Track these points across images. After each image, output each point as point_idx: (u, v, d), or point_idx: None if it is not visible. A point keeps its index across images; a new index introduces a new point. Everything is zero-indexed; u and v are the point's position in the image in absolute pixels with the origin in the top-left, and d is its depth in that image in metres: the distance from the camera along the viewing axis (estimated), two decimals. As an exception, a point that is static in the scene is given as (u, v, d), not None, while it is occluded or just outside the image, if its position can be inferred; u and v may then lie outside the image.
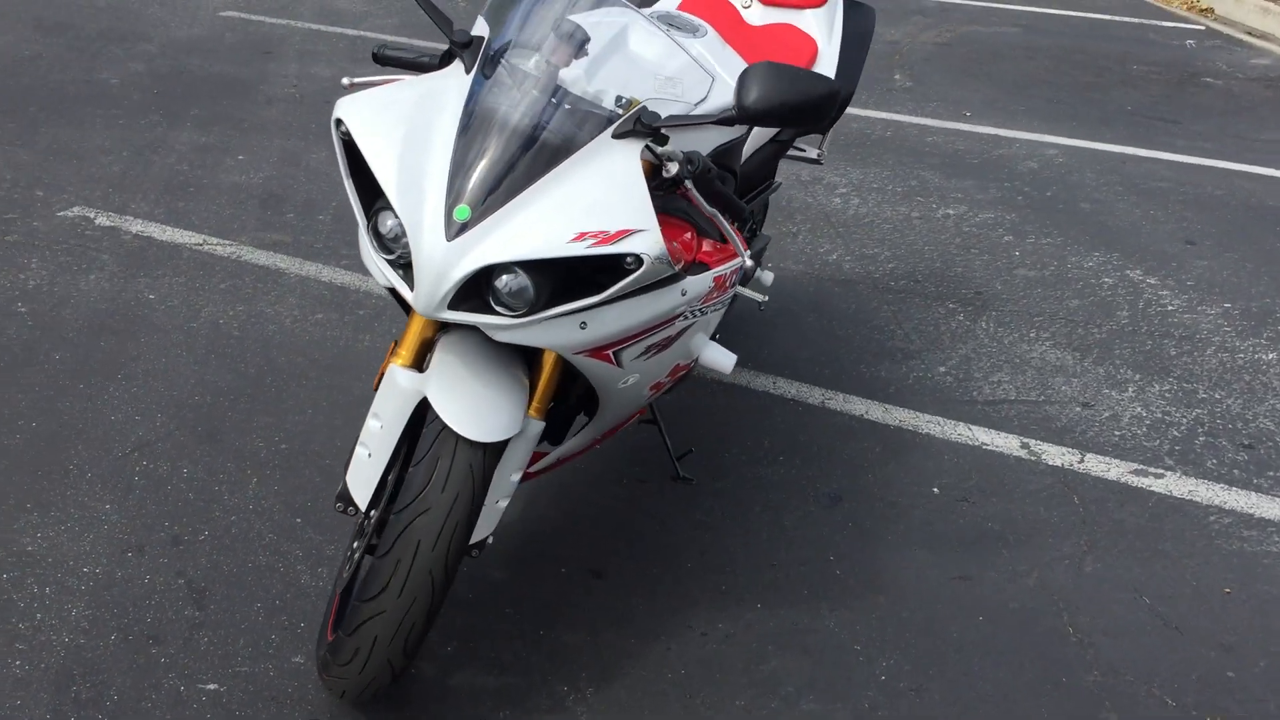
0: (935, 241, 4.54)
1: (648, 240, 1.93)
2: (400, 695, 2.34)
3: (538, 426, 2.23)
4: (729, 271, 2.34)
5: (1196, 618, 2.66)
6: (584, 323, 2.03)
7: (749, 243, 3.28)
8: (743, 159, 2.92)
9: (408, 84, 2.13)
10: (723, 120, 2.07)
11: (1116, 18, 8.57)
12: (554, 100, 2.06)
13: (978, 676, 2.47)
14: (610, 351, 2.13)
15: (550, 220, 1.93)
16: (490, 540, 2.31)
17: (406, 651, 2.07)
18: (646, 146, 2.12)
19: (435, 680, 2.39)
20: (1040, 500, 3.04)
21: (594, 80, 2.14)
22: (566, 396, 2.42)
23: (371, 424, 2.19)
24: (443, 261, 1.92)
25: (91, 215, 4.44)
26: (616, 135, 2.04)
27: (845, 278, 4.19)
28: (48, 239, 4.23)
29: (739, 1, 3.27)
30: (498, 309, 1.97)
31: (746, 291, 3.02)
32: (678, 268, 2.05)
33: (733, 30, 3.13)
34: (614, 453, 3.13)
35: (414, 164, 1.98)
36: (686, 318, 2.27)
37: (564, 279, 2.00)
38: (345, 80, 2.20)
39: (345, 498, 2.23)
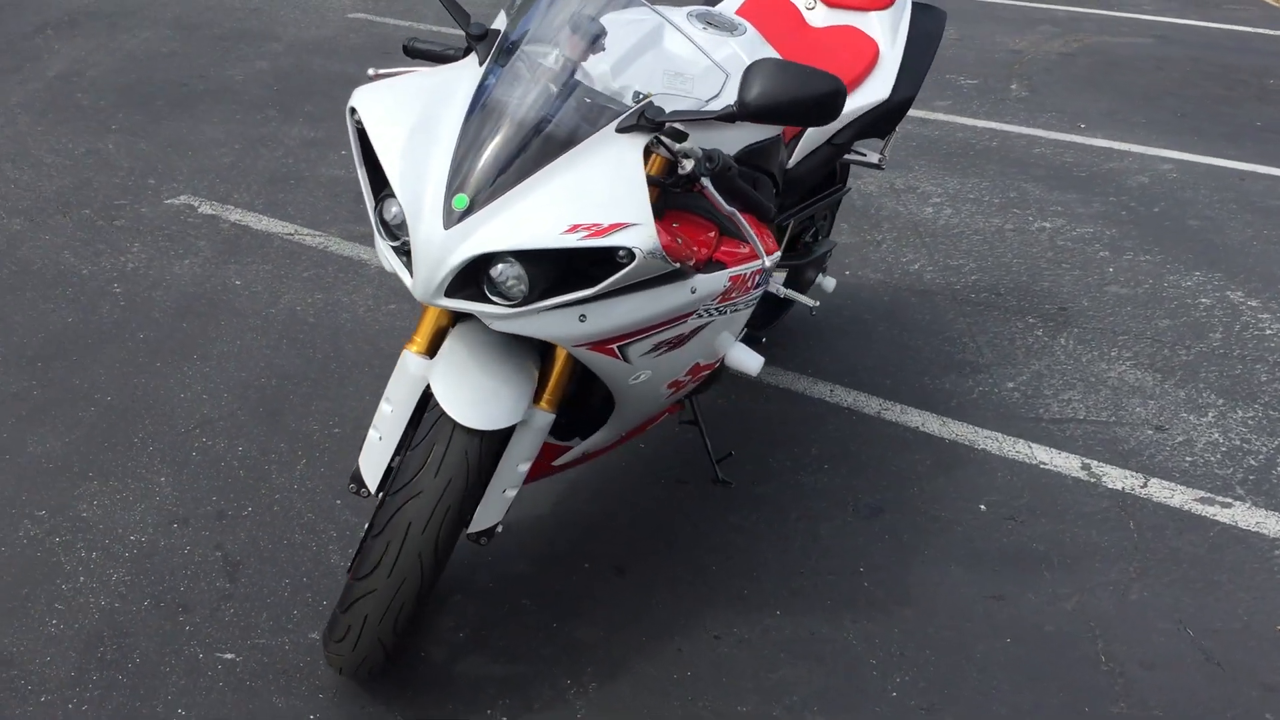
0: (1025, 255, 4.41)
1: (640, 235, 1.93)
2: (404, 677, 2.38)
3: (545, 418, 2.24)
4: (749, 272, 2.31)
5: (1242, 654, 2.53)
6: (583, 315, 2.03)
7: (810, 248, 3.26)
8: (791, 162, 2.88)
9: (424, 75, 2.17)
10: (724, 116, 2.06)
11: (1259, 30, 8.19)
12: (562, 93, 2.07)
13: (995, 699, 2.40)
14: (615, 346, 2.13)
15: (545, 211, 1.94)
16: (499, 529, 2.33)
17: (396, 631, 2.11)
18: (661, 143, 2.11)
19: (442, 665, 2.42)
20: (1093, 523, 2.93)
21: (605, 75, 2.15)
22: (591, 393, 2.43)
23: (384, 408, 2.24)
24: (439, 249, 1.95)
25: (195, 204, 4.63)
26: (620, 129, 2.03)
27: (924, 288, 4.10)
28: (151, 225, 4.42)
29: (802, 3, 3.24)
30: (493, 298, 1.99)
31: (796, 296, 3.01)
32: (678, 265, 2.03)
33: (793, 32, 3.10)
34: (656, 452, 3.12)
35: (419, 153, 2.01)
36: (700, 316, 2.25)
37: (562, 271, 2.01)
38: (371, 71, 2.25)
39: (358, 479, 2.28)
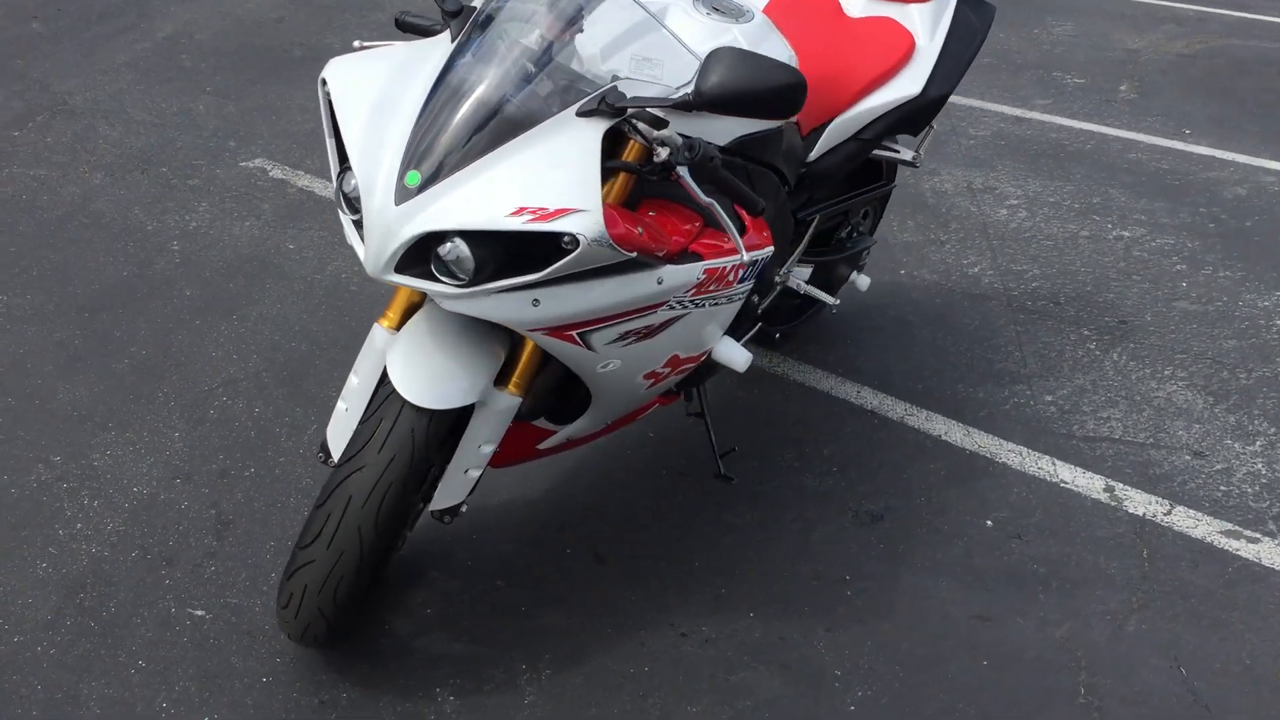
0: (1095, 264, 4.23)
1: (586, 221, 1.89)
2: (363, 647, 2.40)
3: (509, 401, 2.23)
4: (728, 266, 2.26)
5: (1234, 699, 2.39)
6: (536, 300, 2.01)
7: (842, 245, 3.17)
8: (813, 155, 2.81)
9: (399, 48, 2.16)
10: (679, 105, 2.01)
11: None
12: (529, 73, 2.05)
13: (958, 723, 2.31)
14: (575, 333, 2.10)
15: (494, 192, 1.93)
16: (464, 509, 2.33)
17: (336, 602, 2.12)
18: (637, 129, 2.07)
19: (404, 639, 2.44)
20: (1103, 548, 2.80)
21: (591, 57, 2.12)
22: (576, 379, 2.40)
23: (351, 379, 2.26)
24: (389, 224, 1.95)
25: (268, 168, 4.73)
26: (581, 114, 2.00)
27: (980, 292, 3.97)
28: (222, 185, 4.54)
29: None
30: (442, 278, 1.98)
31: (817, 293, 2.94)
32: (633, 255, 1.99)
33: (828, 22, 3.02)
34: (661, 442, 3.09)
35: (380, 127, 2.01)
36: (672, 308, 2.21)
37: (512, 253, 1.98)
38: (356, 44, 2.26)
39: (325, 449, 2.31)
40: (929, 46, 2.99)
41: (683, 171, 2.10)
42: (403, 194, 1.95)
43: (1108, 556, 2.78)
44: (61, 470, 2.88)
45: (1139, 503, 2.97)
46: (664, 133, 2.07)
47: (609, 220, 1.96)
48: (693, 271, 2.19)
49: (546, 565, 2.67)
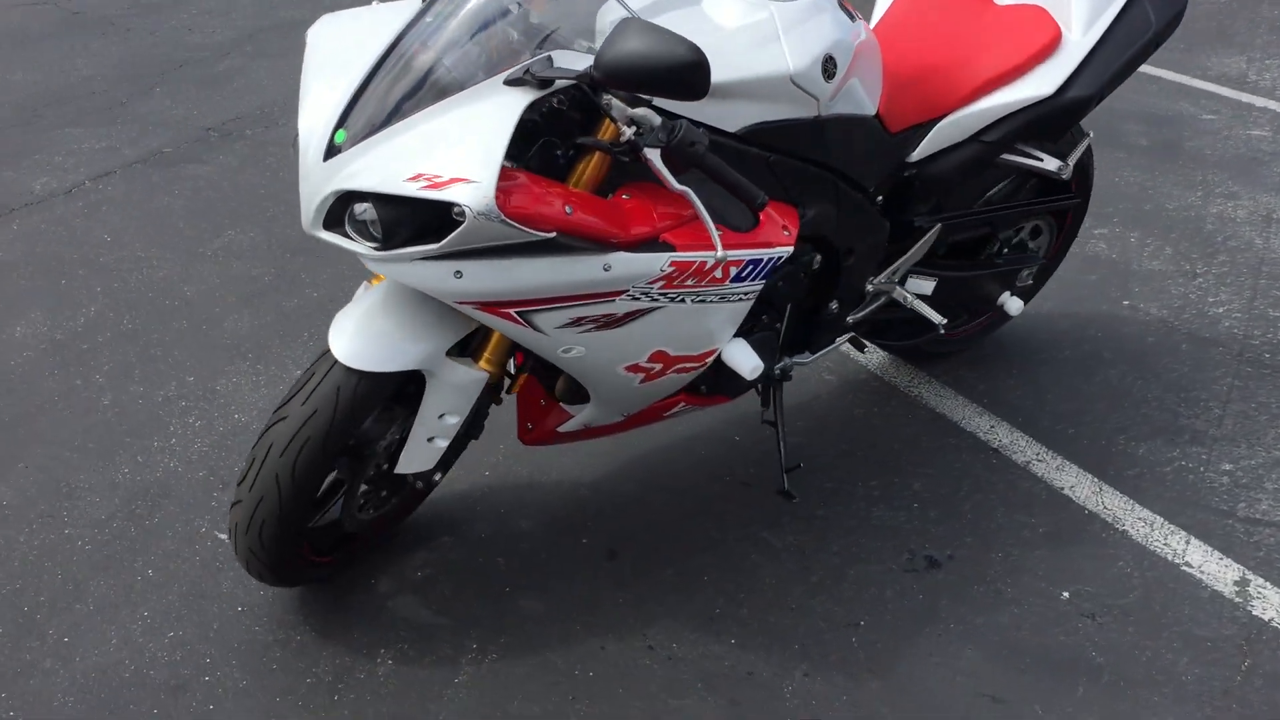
0: (1381, 322, 3.54)
1: (473, 192, 1.82)
2: (340, 598, 2.48)
3: (472, 375, 2.19)
4: (707, 262, 2.09)
5: None
6: (459, 272, 1.95)
7: (989, 261, 2.85)
8: (916, 155, 2.54)
9: (382, 9, 2.16)
10: (580, 78, 1.87)
11: None
12: (469, 39, 1.99)
13: (896, 807, 2.03)
14: (514, 311, 2.02)
15: (399, 155, 1.89)
16: (438, 478, 2.33)
17: (263, 544, 2.18)
18: (609, 106, 1.96)
19: (380, 597, 2.49)
20: (1194, 648, 2.36)
21: (523, 25, 2.03)
22: None
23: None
24: (314, 181, 1.97)
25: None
26: (508, 82, 1.92)
27: (1210, 336, 3.42)
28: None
29: None
30: (360, 239, 1.96)
31: (923, 308, 2.68)
32: (545, 234, 1.89)
33: (969, 9, 2.70)
34: (737, 446, 2.92)
35: (331, 86, 2.03)
36: (635, 299, 2.08)
37: (427, 219, 1.93)
38: (374, 3, 2.28)
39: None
40: (1078, 42, 2.60)
41: (651, 154, 1.97)
42: (330, 152, 1.96)
43: (1194, 659, 2.33)
44: (187, 389, 3.13)
45: (1272, 604, 2.46)
46: (637, 111, 1.93)
47: (517, 195, 1.87)
48: (653, 262, 2.05)
49: (555, 552, 2.61)
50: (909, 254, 2.70)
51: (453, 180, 1.84)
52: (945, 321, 2.79)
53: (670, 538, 2.64)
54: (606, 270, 2.02)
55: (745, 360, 2.32)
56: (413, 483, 2.38)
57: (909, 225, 2.70)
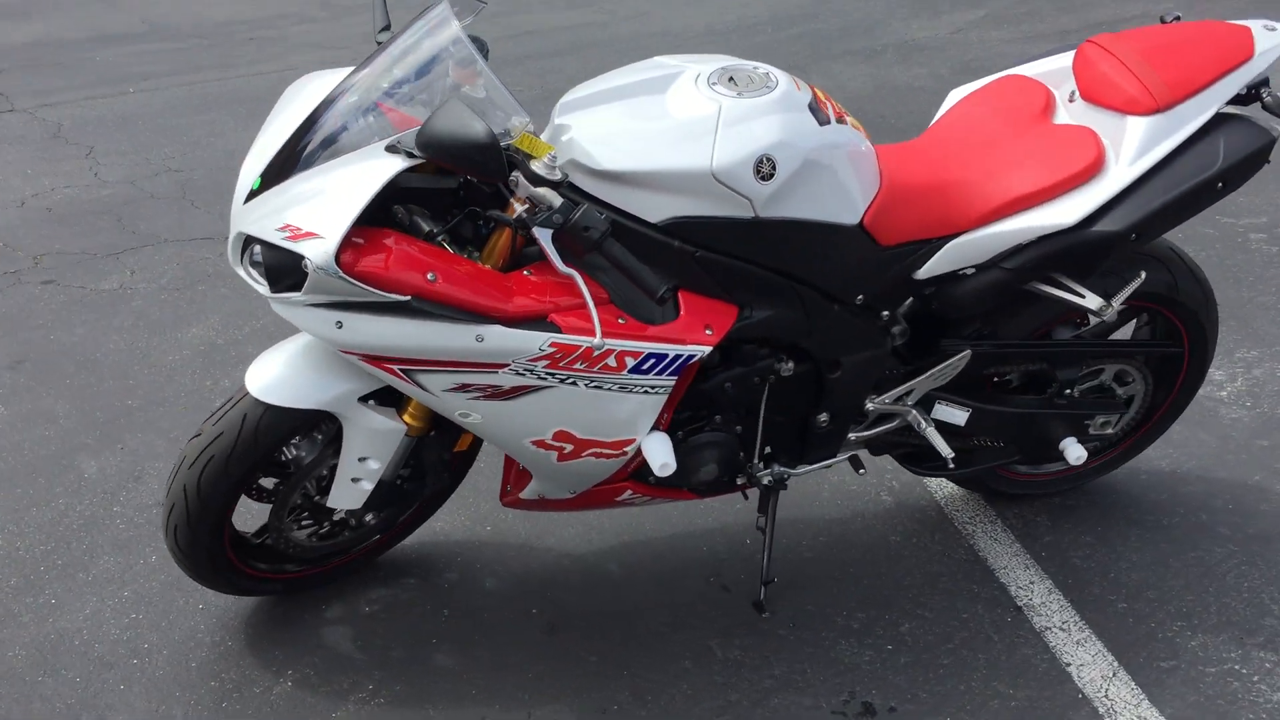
0: None
1: (317, 248, 1.92)
2: (280, 612, 2.65)
3: (388, 425, 2.29)
4: (588, 348, 2.08)
5: None
6: (339, 322, 2.05)
7: (1050, 401, 2.63)
8: (924, 274, 2.38)
9: (351, 70, 2.31)
10: (415, 152, 1.92)
11: None
12: (372, 103, 2.10)
13: None
14: (396, 367, 2.11)
15: (281, 206, 2.02)
16: (370, 518, 2.44)
17: (179, 546, 2.37)
18: (514, 182, 2.01)
19: (315, 618, 2.64)
20: None
21: (419, 94, 2.10)
22: None
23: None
24: (233, 222, 2.15)
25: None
26: (388, 148, 2.01)
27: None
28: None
29: (1063, 95, 2.54)
30: (258, 278, 2.11)
31: (934, 437, 2.55)
32: (389, 296, 1.96)
33: (1021, 122, 2.49)
34: (746, 551, 2.82)
35: (274, 136, 2.20)
36: (520, 374, 2.11)
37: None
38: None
39: None
40: (1120, 172, 2.33)
41: (541, 234, 2.00)
42: (248, 197, 2.13)
43: None
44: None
45: None
46: (538, 190, 1.98)
47: (372, 256, 1.95)
48: (532, 340, 2.06)
49: (501, 615, 2.63)
50: (922, 377, 2.51)
51: (308, 234, 1.94)
52: (952, 454, 2.56)
53: (619, 625, 2.60)
54: (480, 341, 2.04)
55: (656, 455, 2.25)
56: (348, 520, 2.49)
57: (936, 348, 2.52)
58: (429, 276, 1.99)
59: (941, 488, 3.06)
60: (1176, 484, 3.06)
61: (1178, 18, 2.58)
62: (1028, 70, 2.63)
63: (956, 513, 2.97)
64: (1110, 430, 2.78)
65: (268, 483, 2.45)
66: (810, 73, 6.50)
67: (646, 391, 2.19)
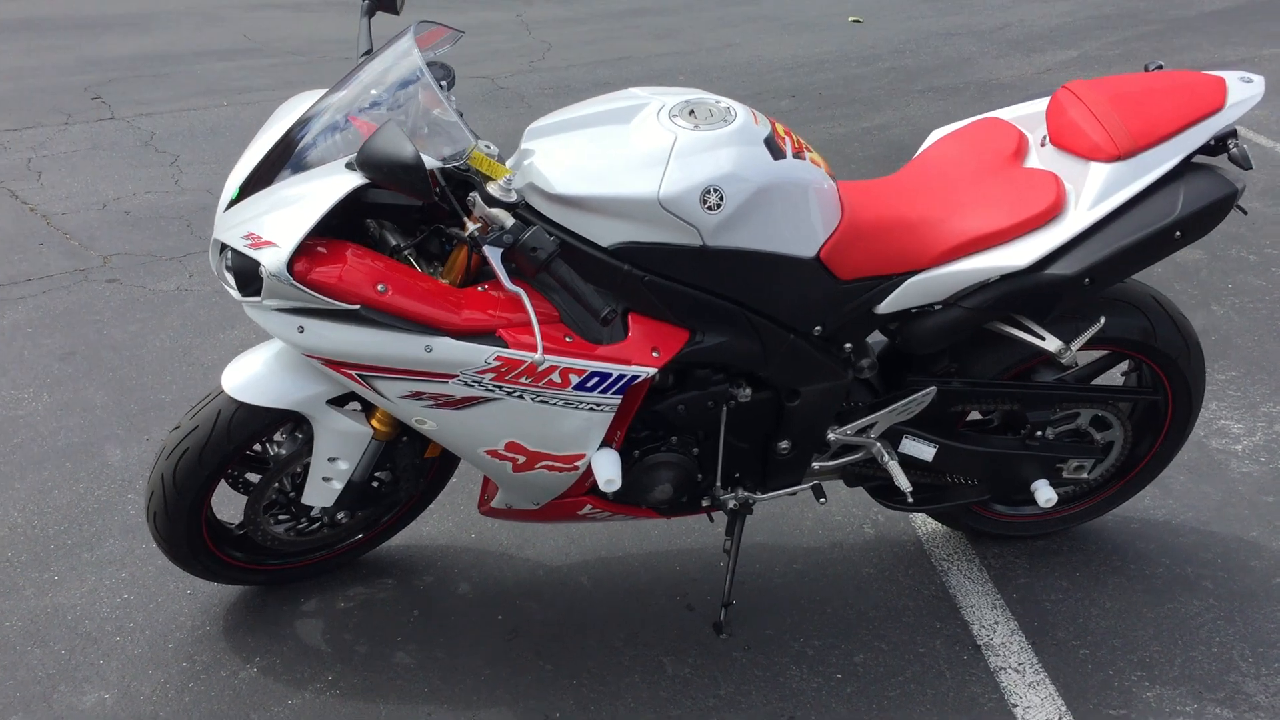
0: None
1: (272, 256, 2.06)
2: (260, 601, 2.77)
3: (354, 428, 2.42)
4: (532, 363, 2.18)
5: None
6: (301, 327, 2.19)
7: (1022, 442, 2.66)
8: (884, 308, 2.42)
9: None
10: (350, 165, 2.04)
11: None
12: (342, 121, 2.22)
13: None
14: (354, 372, 2.23)
15: (249, 216, 2.17)
16: (343, 517, 2.57)
17: (159, 531, 2.52)
18: (471, 201, 2.13)
19: (301, 613, 2.76)
20: None
21: (381, 113, 2.22)
22: None
23: None
24: (215, 228, 2.30)
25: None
26: (348, 165, 2.14)
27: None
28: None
29: (1036, 138, 2.57)
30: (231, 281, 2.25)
31: (894, 471, 2.59)
32: (343, 305, 2.08)
33: (989, 164, 2.52)
34: (720, 572, 2.87)
35: (259, 149, 2.35)
36: (469, 385, 2.21)
37: None
38: None
39: None
40: (1077, 216, 2.35)
41: (490, 252, 2.10)
42: (229, 205, 2.28)
43: None
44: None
45: None
46: (491, 210, 2.09)
47: (325, 266, 2.08)
48: (478, 353, 2.17)
49: (467, 620, 2.73)
50: (884, 411, 2.55)
51: (266, 243, 2.08)
52: (910, 489, 2.59)
53: (577, 636, 2.67)
54: (428, 351, 2.15)
55: (603, 471, 2.33)
56: (320, 518, 2.62)
57: (904, 382, 2.57)
58: (379, 288, 2.11)
59: (925, 524, 3.07)
60: (1168, 534, 3.03)
61: (1160, 66, 2.59)
62: (1008, 113, 2.66)
63: (935, 549, 2.98)
64: (1086, 475, 2.77)
65: (254, 476, 2.58)
66: (883, 107, 6.54)
67: (592, 409, 2.27)
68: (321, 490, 2.50)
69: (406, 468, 2.60)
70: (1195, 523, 3.07)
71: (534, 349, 2.16)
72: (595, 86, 7.17)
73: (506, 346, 2.16)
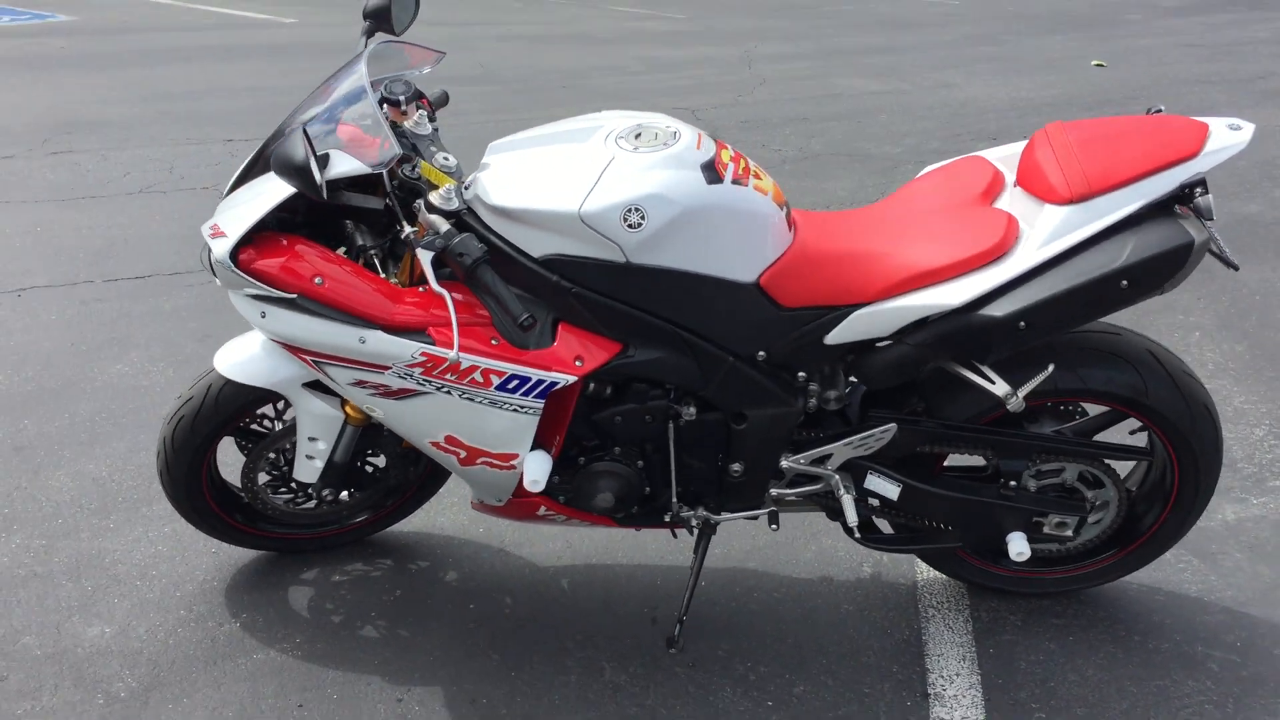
0: None
1: (219, 244, 2.31)
2: (265, 567, 3.01)
3: (327, 411, 2.64)
4: (455, 362, 2.33)
5: None
6: (264, 312, 2.43)
7: (996, 491, 2.63)
8: (833, 339, 2.43)
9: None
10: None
11: None
12: (313, 125, 2.44)
13: None
14: (308, 357, 2.45)
15: (222, 209, 2.43)
16: (329, 494, 2.80)
17: (166, 487, 2.80)
18: (417, 207, 2.33)
19: (299, 580, 2.98)
20: None
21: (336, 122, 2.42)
22: None
23: None
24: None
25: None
26: None
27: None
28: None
29: (1010, 180, 2.50)
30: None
31: (846, 505, 2.60)
32: (279, 292, 2.30)
33: (954, 201, 2.47)
34: (681, 585, 2.92)
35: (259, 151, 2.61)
36: (403, 378, 2.39)
37: None
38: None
39: None
40: (1021, 258, 2.29)
41: (421, 255, 2.29)
42: (220, 200, 2.55)
43: None
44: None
45: None
46: (429, 216, 2.29)
47: (267, 256, 2.31)
48: (406, 348, 2.34)
49: (440, 605, 2.88)
50: (840, 444, 2.55)
51: (220, 233, 2.33)
52: (855, 522, 2.57)
53: (533, 633, 2.77)
54: (362, 342, 2.34)
55: (530, 470, 2.44)
56: (311, 494, 2.85)
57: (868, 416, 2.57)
58: (316, 280, 2.31)
59: (927, 571, 3.00)
60: (1194, 610, 2.84)
61: (1160, 110, 2.47)
62: (994, 153, 2.61)
63: (927, 596, 2.91)
64: (1069, 533, 2.65)
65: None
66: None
67: (516, 410, 2.39)
68: (306, 467, 2.72)
69: (392, 454, 2.79)
70: (1233, 603, 2.87)
71: (451, 347, 2.30)
72: (790, 122, 7.25)
73: (433, 344, 2.31)
